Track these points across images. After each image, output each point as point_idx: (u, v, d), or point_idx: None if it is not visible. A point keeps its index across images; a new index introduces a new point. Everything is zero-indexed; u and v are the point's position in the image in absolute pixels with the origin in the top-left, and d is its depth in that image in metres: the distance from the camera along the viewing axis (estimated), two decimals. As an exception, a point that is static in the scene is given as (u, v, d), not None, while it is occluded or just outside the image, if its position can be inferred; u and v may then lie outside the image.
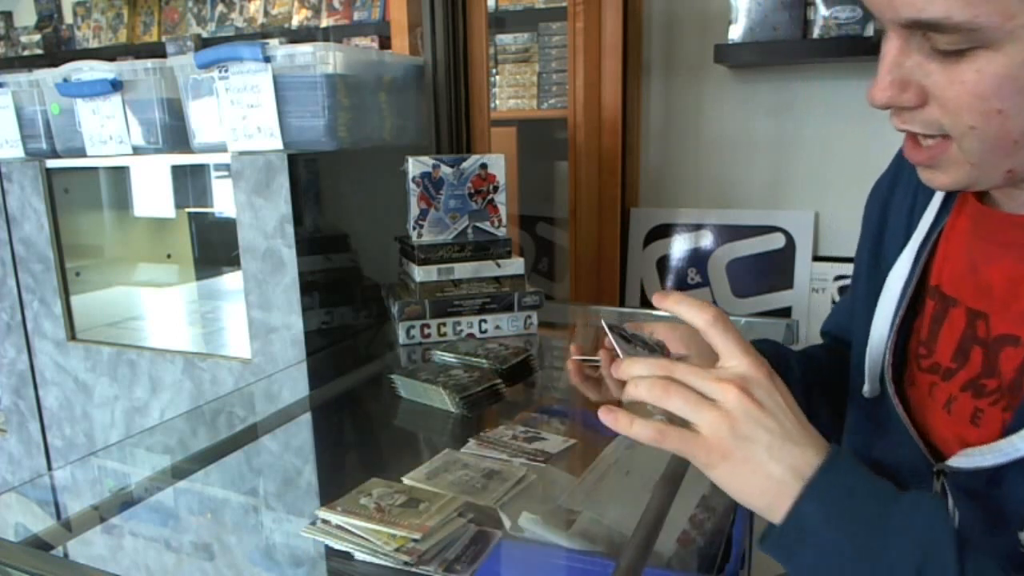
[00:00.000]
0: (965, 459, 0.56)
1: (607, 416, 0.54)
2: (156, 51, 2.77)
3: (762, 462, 0.51)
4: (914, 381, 0.66)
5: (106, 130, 1.29)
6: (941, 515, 0.49)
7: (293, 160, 1.12)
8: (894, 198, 0.73)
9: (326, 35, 2.54)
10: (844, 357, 0.80)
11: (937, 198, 0.67)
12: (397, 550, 0.60)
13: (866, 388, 0.68)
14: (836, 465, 0.51)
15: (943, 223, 0.66)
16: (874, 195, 0.78)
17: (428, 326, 1.21)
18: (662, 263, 1.98)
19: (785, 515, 0.51)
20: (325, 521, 0.65)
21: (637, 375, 0.54)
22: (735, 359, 0.54)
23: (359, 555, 0.62)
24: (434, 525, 0.63)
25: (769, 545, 0.53)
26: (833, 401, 0.78)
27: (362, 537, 0.62)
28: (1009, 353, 0.57)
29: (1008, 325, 0.57)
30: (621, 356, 0.57)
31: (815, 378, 0.79)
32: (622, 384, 0.56)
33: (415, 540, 0.61)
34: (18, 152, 1.40)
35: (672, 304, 0.56)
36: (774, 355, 0.74)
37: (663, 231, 1.98)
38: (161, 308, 1.67)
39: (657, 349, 0.63)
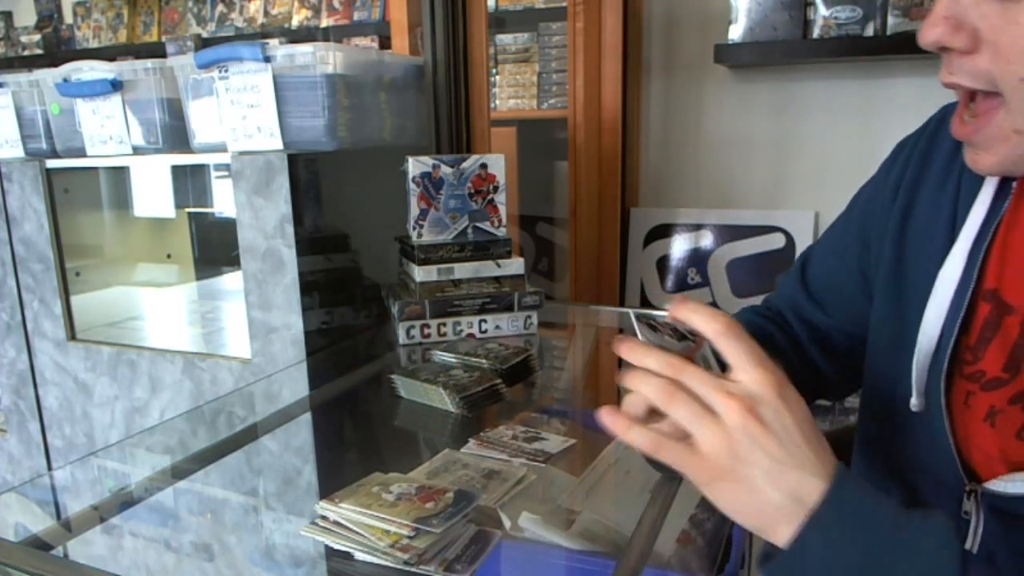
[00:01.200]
0: (1013, 485, 0.54)
1: (607, 418, 0.51)
2: (156, 51, 2.77)
3: (759, 487, 0.48)
4: (950, 389, 0.60)
5: (106, 130, 1.29)
6: (948, 541, 0.47)
7: (293, 160, 1.12)
8: (927, 180, 0.65)
9: (326, 35, 2.54)
10: (787, 335, 0.77)
11: (989, 187, 0.60)
12: (391, 546, 0.60)
13: (914, 401, 0.61)
14: (841, 493, 0.48)
15: (999, 217, 0.58)
16: (898, 161, 0.69)
17: (428, 326, 1.21)
18: (662, 263, 1.98)
19: (787, 544, 0.48)
20: (323, 517, 0.65)
21: (647, 366, 0.52)
22: (746, 373, 0.50)
23: (359, 555, 0.62)
24: (428, 512, 0.63)
25: (769, 572, 0.51)
26: None
27: (358, 534, 0.62)
28: None
29: None
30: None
31: None
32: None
33: (409, 537, 0.61)
34: (18, 152, 1.40)
35: (686, 312, 0.53)
36: None
37: (663, 231, 1.98)
38: (161, 308, 1.67)
39: (688, 337, 0.59)
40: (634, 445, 0.51)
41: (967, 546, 0.58)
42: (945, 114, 0.66)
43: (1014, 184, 0.58)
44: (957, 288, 0.59)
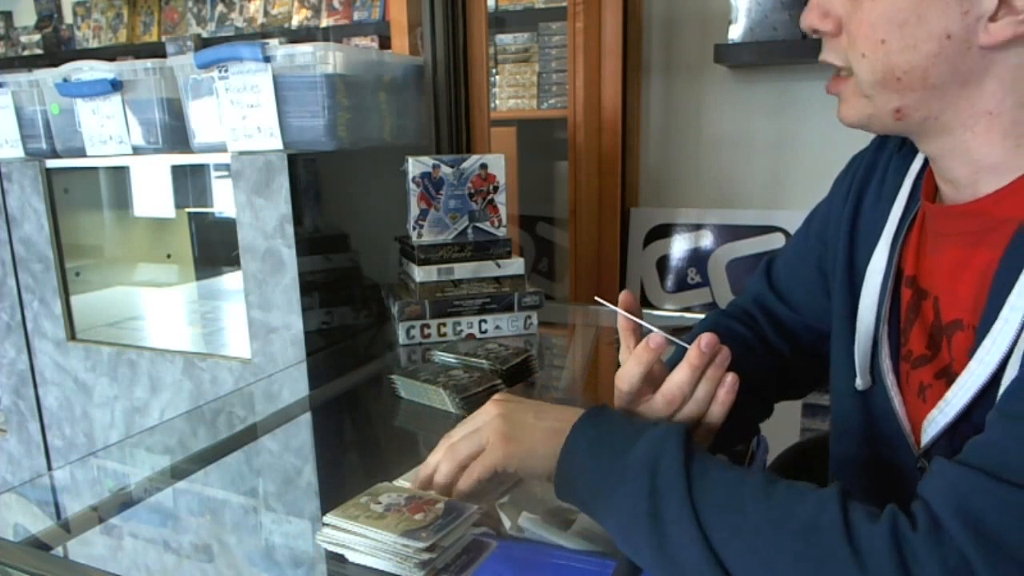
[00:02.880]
0: (927, 433, 0.59)
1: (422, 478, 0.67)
2: (156, 51, 2.77)
3: (533, 424, 0.61)
4: (899, 371, 0.67)
5: (106, 130, 1.29)
6: (675, 429, 0.57)
7: (293, 160, 1.12)
8: (870, 186, 0.74)
9: (326, 35, 2.54)
10: (754, 333, 0.83)
11: (906, 186, 0.69)
12: (414, 560, 0.60)
13: (859, 382, 0.69)
14: (596, 410, 0.61)
15: (914, 212, 0.67)
16: (849, 171, 0.78)
17: (428, 326, 1.21)
18: (662, 263, 1.98)
19: (559, 453, 0.59)
20: (335, 527, 0.64)
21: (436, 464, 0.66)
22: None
23: (362, 559, 0.62)
24: (417, 524, 0.63)
25: (558, 487, 0.60)
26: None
27: (379, 542, 0.61)
28: (959, 338, 0.59)
29: (956, 311, 0.59)
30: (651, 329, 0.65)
31: None
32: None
33: (430, 553, 0.60)
34: (18, 152, 1.40)
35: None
36: None
37: (663, 231, 1.98)
38: (161, 308, 1.67)
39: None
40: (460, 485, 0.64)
41: None
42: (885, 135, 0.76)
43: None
44: (883, 277, 0.68)
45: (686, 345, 0.64)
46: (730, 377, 0.64)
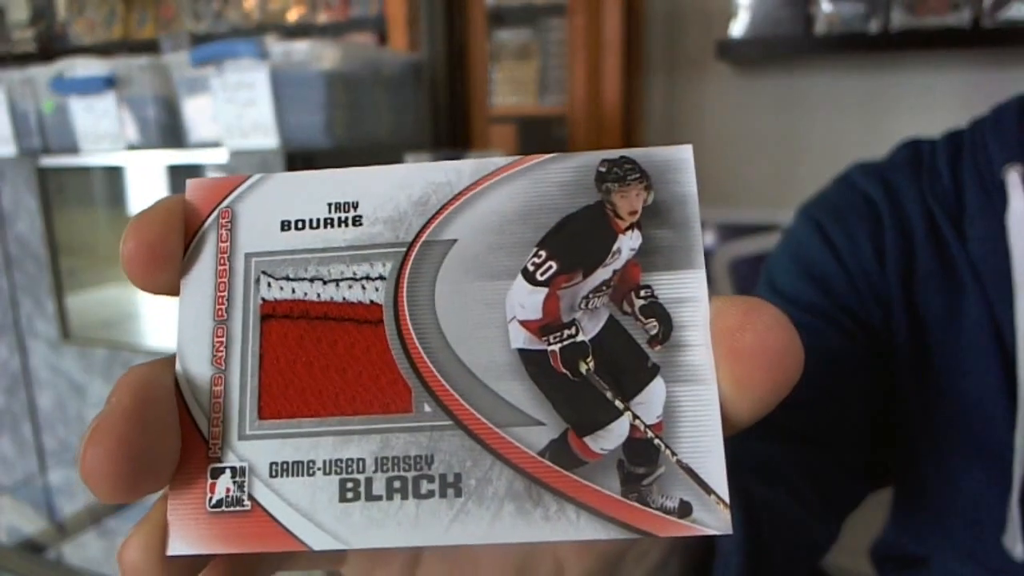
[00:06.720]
0: None
1: None
2: (151, 48, 2.75)
3: None
4: None
5: (100, 127, 1.27)
6: None
7: (289, 158, 1.10)
8: (918, 261, 0.50)
9: (323, 31, 2.52)
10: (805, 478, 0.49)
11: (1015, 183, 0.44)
12: None
13: (1019, 551, 0.43)
14: None
15: None
16: (858, 225, 0.52)
17: (427, 326, 1.20)
18: (662, 261, 1.97)
19: None
20: None
21: None
22: None
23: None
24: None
25: None
26: None
27: None
28: None
29: None
30: None
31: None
32: None
33: None
34: (11, 150, 1.39)
35: None
36: None
37: (663, 229, 1.97)
38: (156, 308, 1.65)
39: None
40: None
41: None
42: (890, 173, 0.52)
43: None
44: None
45: None
46: None
